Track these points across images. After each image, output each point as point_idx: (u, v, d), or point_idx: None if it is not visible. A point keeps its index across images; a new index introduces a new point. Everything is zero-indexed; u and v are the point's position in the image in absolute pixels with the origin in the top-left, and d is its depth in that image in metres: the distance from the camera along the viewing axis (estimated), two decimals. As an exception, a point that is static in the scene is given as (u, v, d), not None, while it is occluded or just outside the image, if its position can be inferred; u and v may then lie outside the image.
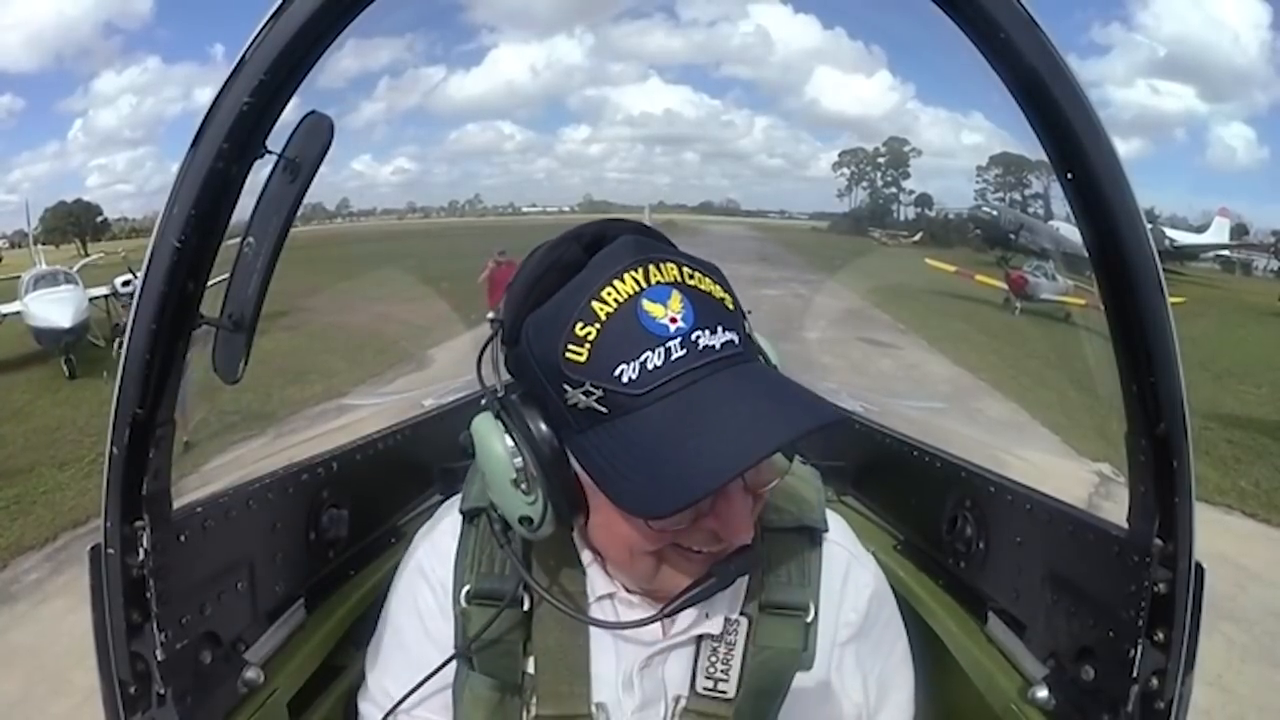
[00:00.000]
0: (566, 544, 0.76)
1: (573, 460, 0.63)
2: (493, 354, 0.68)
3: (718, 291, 0.62)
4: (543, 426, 0.62)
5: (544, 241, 0.67)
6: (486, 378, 0.68)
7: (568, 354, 0.59)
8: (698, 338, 0.58)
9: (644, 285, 0.59)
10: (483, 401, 0.68)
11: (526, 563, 0.76)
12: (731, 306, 0.62)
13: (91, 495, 5.91)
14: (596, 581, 0.75)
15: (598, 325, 0.58)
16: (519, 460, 0.63)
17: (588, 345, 0.58)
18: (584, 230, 0.65)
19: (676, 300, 0.59)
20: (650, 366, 0.57)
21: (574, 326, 0.59)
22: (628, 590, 0.75)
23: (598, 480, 0.60)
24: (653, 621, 0.69)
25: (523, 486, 0.64)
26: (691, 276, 0.61)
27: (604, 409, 0.58)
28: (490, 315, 0.68)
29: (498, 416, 0.65)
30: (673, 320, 0.58)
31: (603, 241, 0.64)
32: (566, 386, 0.59)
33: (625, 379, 0.57)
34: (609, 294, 0.59)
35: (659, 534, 0.64)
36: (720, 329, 0.59)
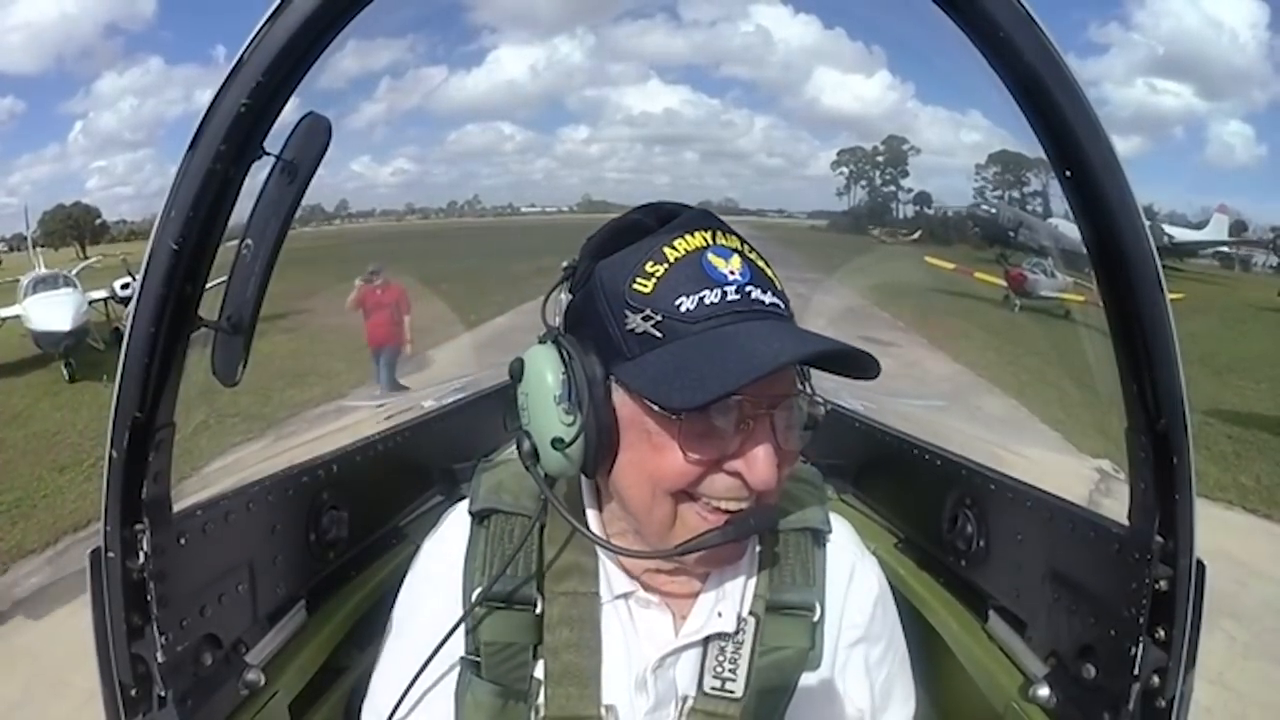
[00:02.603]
0: (583, 540, 0.75)
1: (615, 394, 0.67)
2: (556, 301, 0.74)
3: (769, 271, 0.69)
4: (594, 359, 0.67)
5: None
6: (549, 319, 0.73)
7: (634, 285, 0.65)
8: (750, 290, 0.65)
9: (711, 243, 0.66)
10: (539, 338, 0.72)
11: (540, 558, 0.76)
12: (780, 286, 0.69)
13: (92, 499, 5.90)
14: (614, 580, 0.75)
15: (665, 265, 0.65)
16: (566, 383, 0.67)
17: (654, 279, 0.65)
18: (660, 205, 0.72)
19: (737, 260, 0.66)
20: (707, 302, 0.63)
21: (644, 264, 0.65)
22: (646, 589, 0.75)
23: (643, 391, 0.64)
24: (664, 556, 0.70)
25: (564, 407, 0.67)
26: (751, 251, 0.68)
27: (659, 334, 0.64)
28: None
29: (555, 343, 0.70)
30: (731, 273, 0.65)
31: (675, 217, 0.70)
32: (628, 312, 0.65)
33: (683, 309, 0.63)
34: (679, 243, 0.66)
35: (686, 468, 0.65)
36: (769, 293, 0.66)
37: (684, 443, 0.64)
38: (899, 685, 0.84)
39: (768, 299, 0.65)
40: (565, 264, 0.73)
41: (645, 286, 0.64)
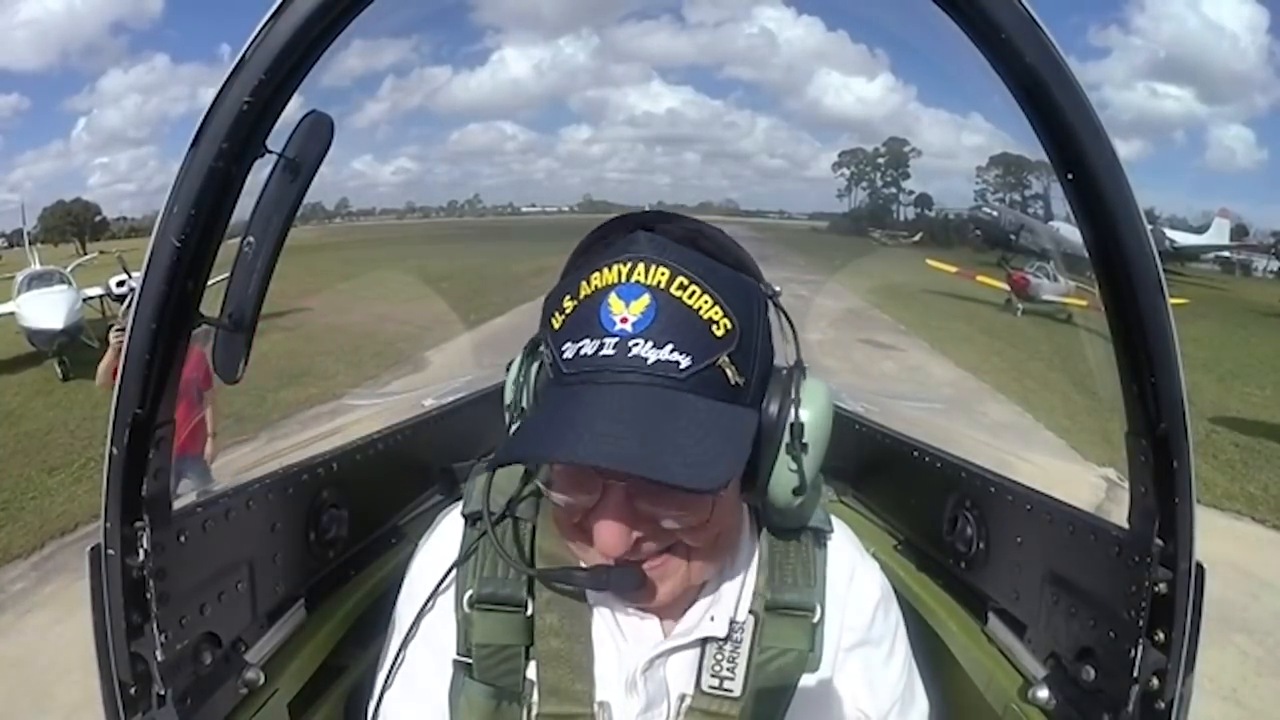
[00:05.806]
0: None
1: None
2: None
3: (709, 313, 0.60)
4: (534, 370, 0.72)
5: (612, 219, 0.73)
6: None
7: (553, 318, 0.64)
8: (634, 345, 0.59)
9: (622, 280, 0.61)
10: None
11: (532, 560, 0.76)
12: (720, 333, 0.60)
13: (81, 501, 5.82)
14: None
15: (575, 302, 0.63)
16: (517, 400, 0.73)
17: (563, 316, 0.63)
18: (634, 217, 0.69)
19: (641, 304, 0.60)
20: (581, 353, 0.61)
21: (565, 296, 0.64)
22: None
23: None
24: (595, 587, 0.70)
25: (515, 413, 0.74)
26: (684, 288, 0.60)
27: (552, 374, 0.65)
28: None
29: (525, 352, 0.75)
30: (623, 320, 0.60)
31: (646, 229, 0.67)
32: (542, 346, 0.67)
33: (565, 356, 0.62)
34: (595, 278, 0.62)
35: (562, 510, 0.68)
36: (670, 348, 0.59)
37: (560, 486, 0.66)
38: (908, 689, 0.84)
39: (656, 357, 0.58)
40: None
41: (557, 322, 0.63)
